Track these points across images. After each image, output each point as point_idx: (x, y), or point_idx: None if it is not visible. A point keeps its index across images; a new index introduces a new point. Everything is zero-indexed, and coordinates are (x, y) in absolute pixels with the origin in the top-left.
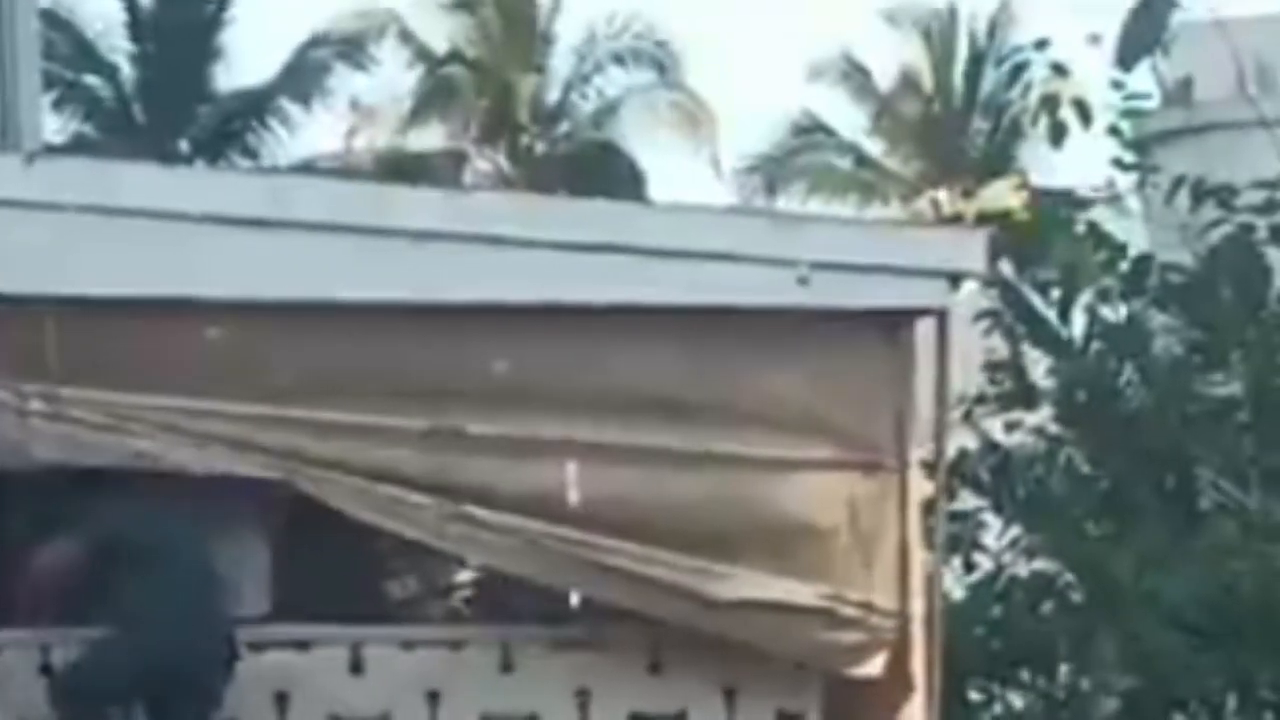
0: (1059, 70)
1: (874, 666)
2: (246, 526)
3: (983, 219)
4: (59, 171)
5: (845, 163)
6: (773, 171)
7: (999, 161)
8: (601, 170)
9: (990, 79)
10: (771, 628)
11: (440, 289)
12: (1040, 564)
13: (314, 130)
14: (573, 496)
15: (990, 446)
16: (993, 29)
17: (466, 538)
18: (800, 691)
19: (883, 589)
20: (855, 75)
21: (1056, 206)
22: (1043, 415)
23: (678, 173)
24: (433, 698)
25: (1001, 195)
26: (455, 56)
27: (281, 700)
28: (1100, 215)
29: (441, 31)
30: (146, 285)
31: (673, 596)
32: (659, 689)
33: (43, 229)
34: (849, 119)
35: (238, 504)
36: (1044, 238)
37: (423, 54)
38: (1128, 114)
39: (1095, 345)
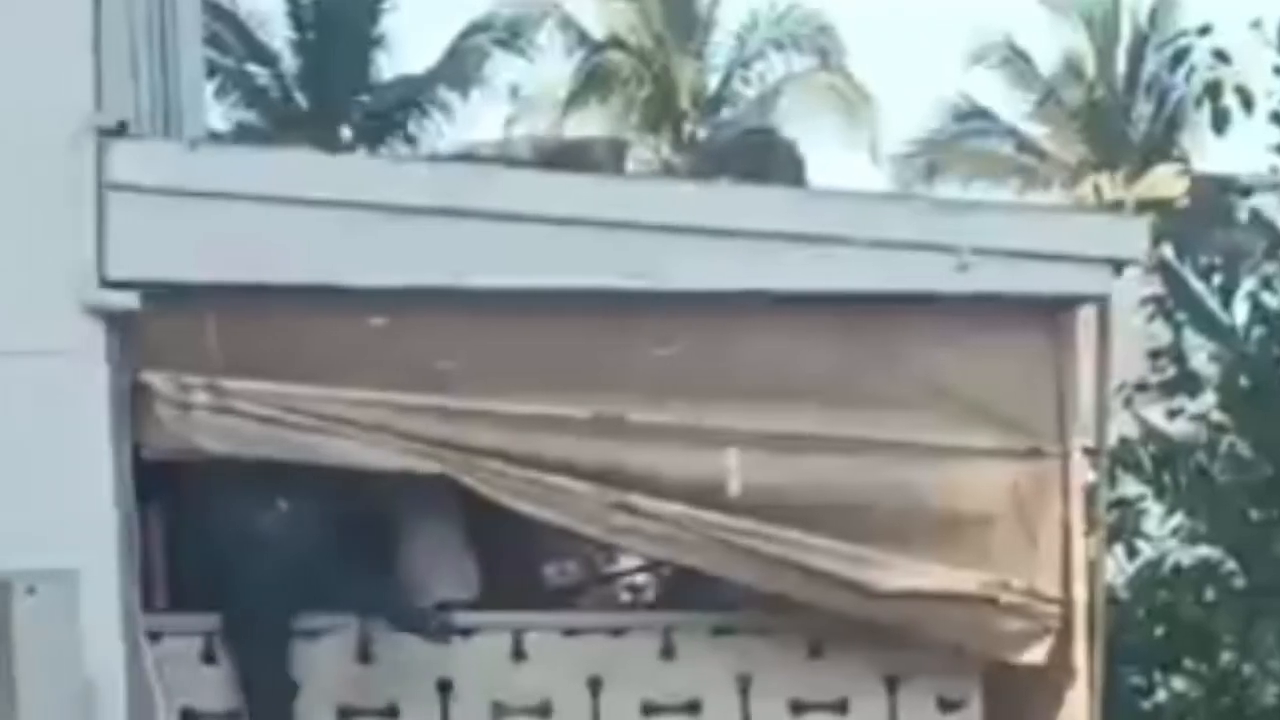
0: (1221, 57)
1: (1037, 654)
2: (444, 510)
3: (1144, 205)
4: (222, 159)
5: (1007, 148)
6: (933, 157)
7: (1161, 147)
8: (762, 157)
9: (1152, 64)
10: (935, 616)
11: (601, 275)
12: (1203, 550)
13: (472, 116)
14: (734, 485)
15: (1152, 433)
16: (1154, 14)
17: (630, 528)
18: (961, 679)
19: (1046, 576)
20: (1016, 61)
21: (1219, 193)
22: (1205, 402)
23: (836, 159)
24: (594, 684)
25: (1164, 181)
26: (615, 42)
27: (444, 688)
28: (1263, 202)
29: (601, 17)
30: (309, 274)
31: (835, 586)
32: (820, 676)
33: (206, 217)
34: (1010, 104)
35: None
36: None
37: (582, 40)
38: None
39: (1258, 331)
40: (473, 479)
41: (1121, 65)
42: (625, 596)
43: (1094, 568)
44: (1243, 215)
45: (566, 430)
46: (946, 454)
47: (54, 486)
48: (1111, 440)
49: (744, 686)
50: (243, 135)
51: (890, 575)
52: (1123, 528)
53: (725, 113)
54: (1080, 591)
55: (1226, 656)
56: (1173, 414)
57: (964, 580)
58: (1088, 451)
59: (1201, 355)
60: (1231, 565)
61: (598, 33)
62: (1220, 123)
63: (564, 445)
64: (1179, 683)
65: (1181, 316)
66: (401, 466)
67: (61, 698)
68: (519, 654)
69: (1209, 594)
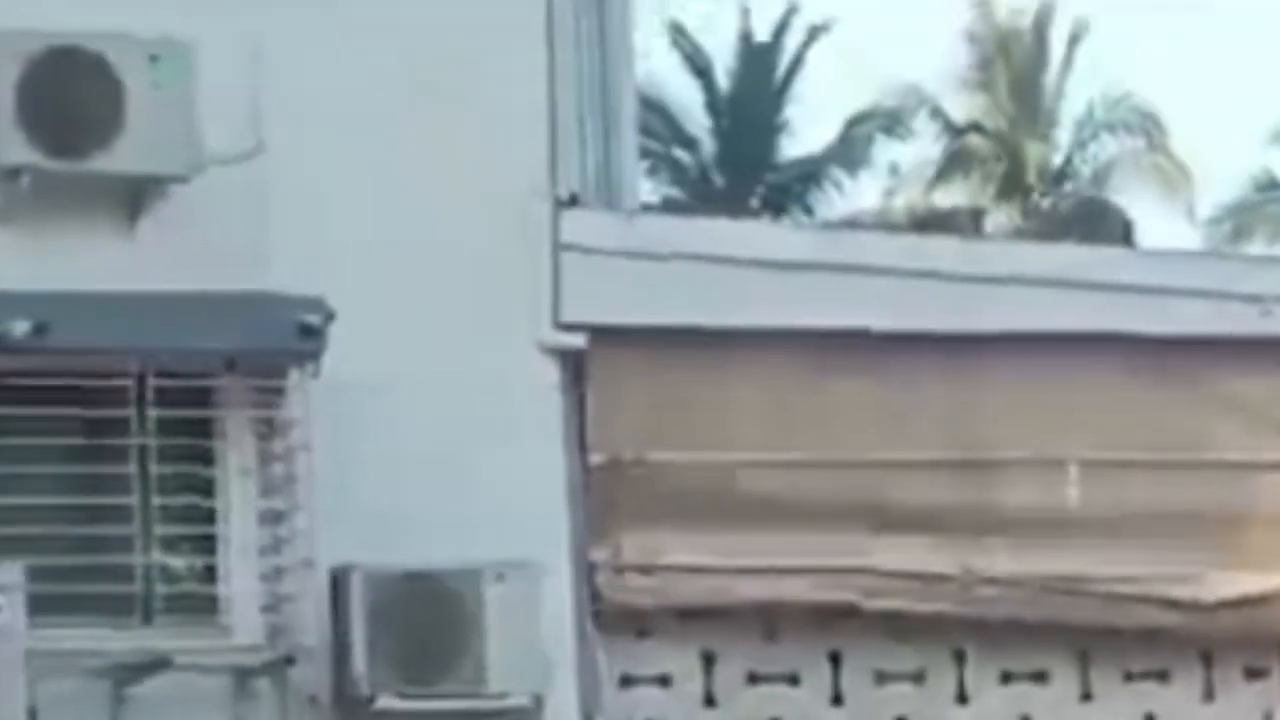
0: None
1: None
2: None
3: None
4: (654, 225)
5: None
6: (1239, 221)
7: None
8: (1098, 222)
9: None
10: (1257, 617)
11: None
12: None
13: (859, 189)
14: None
15: None
16: None
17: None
18: (1265, 651)
19: None
20: None
21: None
22: None
23: (1158, 224)
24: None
25: None
26: (975, 127)
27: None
28: None
29: (964, 106)
30: (725, 319)
31: (1164, 606)
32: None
33: (641, 274)
34: None
35: None
36: None
37: (948, 126)
38: None
39: None
40: None
41: None
42: None
43: None
44: None
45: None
46: (1254, 468)
47: (518, 491)
48: None
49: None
50: (669, 207)
51: (1218, 586)
52: None
53: (1066, 186)
54: None
55: None
56: None
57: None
58: None
59: None
60: None
61: (960, 119)
62: None
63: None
64: None
65: None
66: None
67: (524, 669)
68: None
69: None
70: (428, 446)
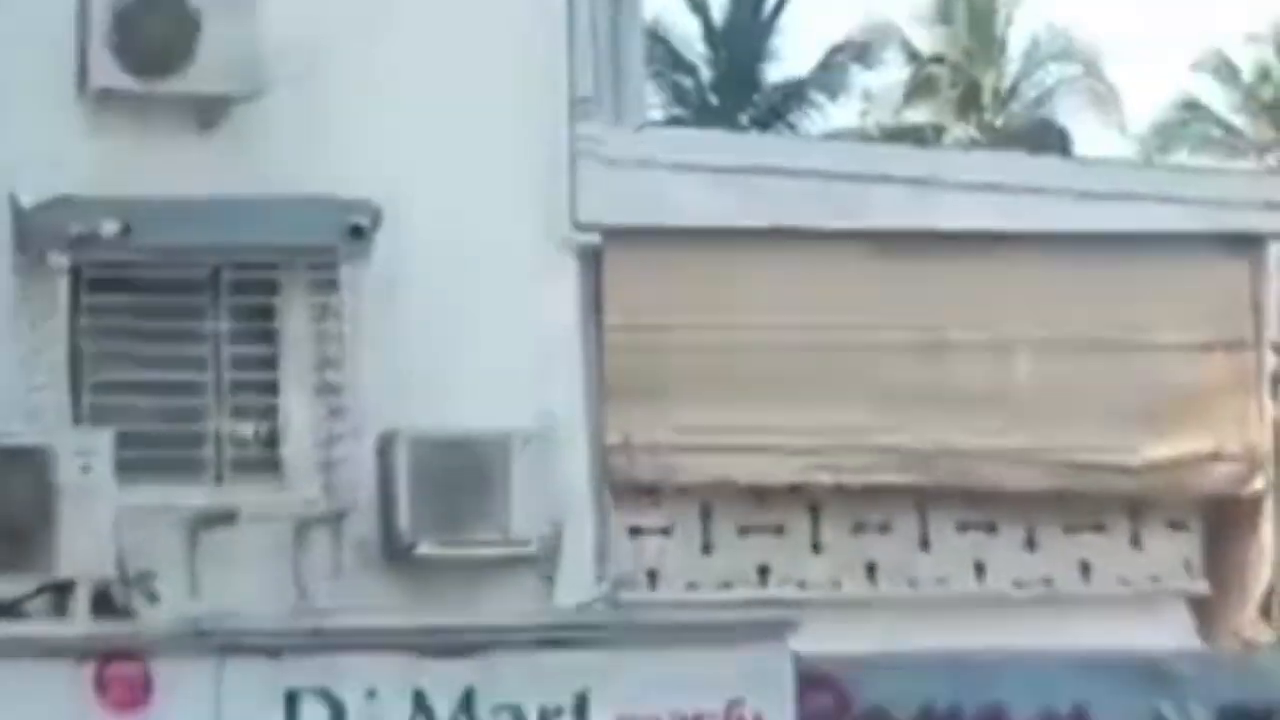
0: None
1: (1256, 486)
2: None
3: None
4: (658, 136)
5: (1216, 131)
6: (1165, 138)
7: None
8: (1041, 137)
9: None
10: (1180, 475)
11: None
12: None
13: (836, 111)
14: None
15: None
16: None
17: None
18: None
19: (1251, 433)
20: (1224, 68)
21: None
22: None
23: (1094, 139)
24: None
25: None
26: (937, 59)
27: None
28: None
29: (928, 39)
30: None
31: (1100, 470)
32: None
33: (647, 180)
34: (1218, 99)
35: None
36: None
37: (913, 56)
38: None
39: None
40: None
41: None
42: None
43: (1277, 427)
44: None
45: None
46: (1180, 349)
47: (541, 367)
48: None
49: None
50: (672, 123)
51: (1145, 452)
52: None
53: (1015, 106)
54: (1270, 443)
55: None
56: None
57: (1200, 443)
58: (1275, 347)
59: None
60: None
61: (925, 50)
62: None
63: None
64: None
65: None
66: None
67: (545, 522)
68: None
69: None
70: (462, 328)
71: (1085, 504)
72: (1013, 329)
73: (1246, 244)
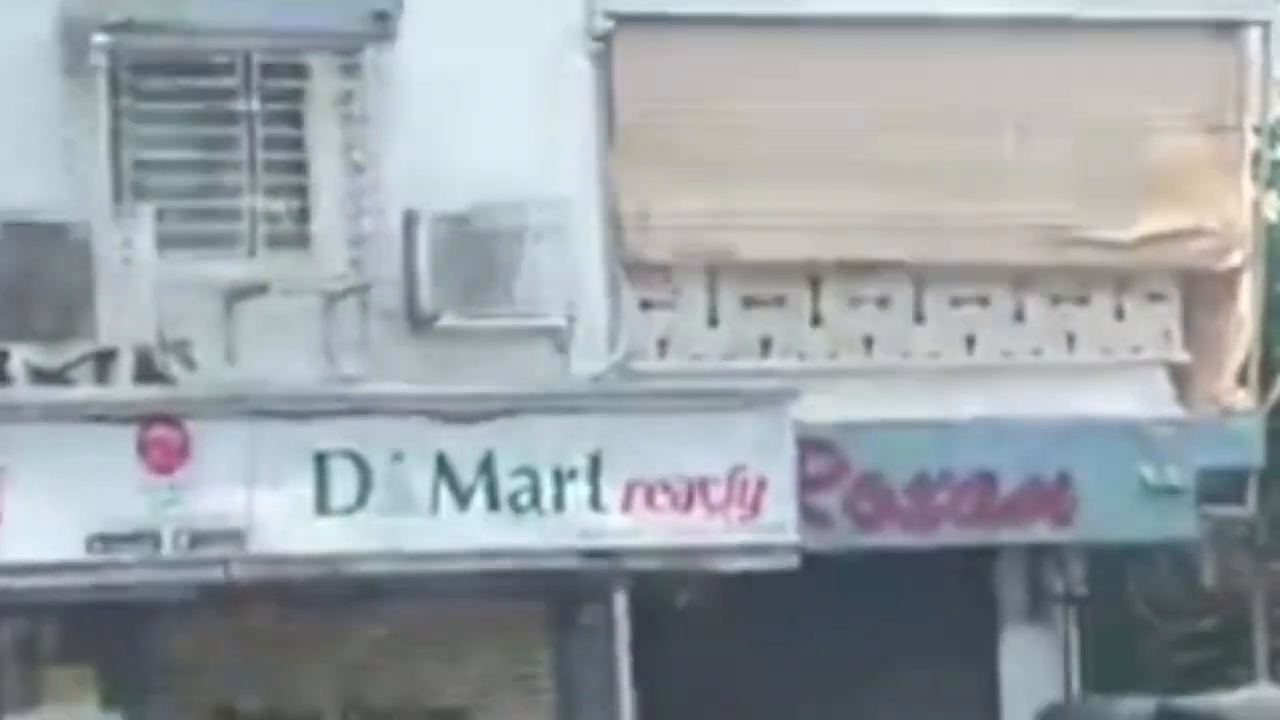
0: None
1: (1234, 260)
2: None
3: None
4: None
5: None
6: None
7: None
8: None
9: None
10: (1164, 248)
11: None
12: None
13: None
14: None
15: None
16: None
17: None
18: (1168, 285)
19: (1230, 210)
20: None
21: None
22: None
23: None
24: None
25: None
26: None
27: None
28: None
29: None
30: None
31: (1089, 244)
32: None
33: None
34: None
35: None
36: None
37: None
38: None
39: None
40: None
41: None
42: None
43: (1256, 205)
44: None
45: None
46: (1165, 130)
47: (559, 147)
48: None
49: None
50: None
51: (1132, 227)
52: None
53: None
54: (1248, 220)
55: None
56: None
57: (1182, 220)
58: (1256, 129)
59: None
60: None
61: None
62: None
63: None
64: None
65: None
66: None
67: (560, 294)
68: None
69: None
70: (486, 113)
71: (1072, 277)
72: (1007, 109)
73: (1230, 30)
